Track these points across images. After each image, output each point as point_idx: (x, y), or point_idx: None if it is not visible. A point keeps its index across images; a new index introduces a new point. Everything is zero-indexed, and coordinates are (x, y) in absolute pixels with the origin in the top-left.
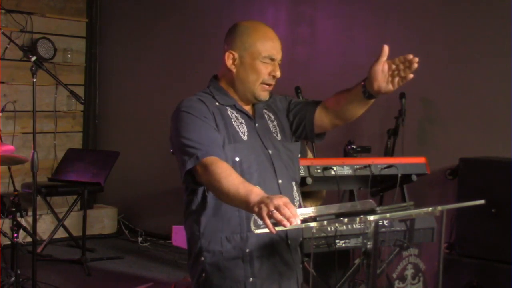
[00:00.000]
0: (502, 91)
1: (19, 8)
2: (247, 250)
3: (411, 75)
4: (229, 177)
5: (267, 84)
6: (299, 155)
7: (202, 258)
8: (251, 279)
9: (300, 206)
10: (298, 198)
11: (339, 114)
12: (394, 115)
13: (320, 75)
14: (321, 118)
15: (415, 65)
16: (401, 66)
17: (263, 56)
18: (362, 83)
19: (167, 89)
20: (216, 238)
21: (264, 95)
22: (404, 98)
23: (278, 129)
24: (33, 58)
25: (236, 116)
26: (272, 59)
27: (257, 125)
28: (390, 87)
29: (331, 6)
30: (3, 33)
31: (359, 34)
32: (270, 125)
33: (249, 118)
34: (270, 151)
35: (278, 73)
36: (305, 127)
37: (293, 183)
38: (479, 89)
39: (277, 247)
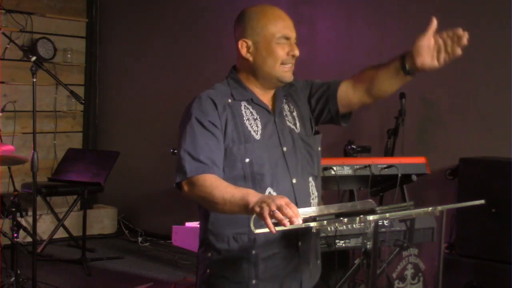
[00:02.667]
0: (502, 91)
1: (19, 8)
2: (253, 252)
3: (460, 51)
4: (220, 186)
5: (287, 65)
6: (319, 149)
7: (209, 255)
8: (254, 281)
9: (318, 202)
10: (316, 194)
11: (372, 90)
12: (394, 115)
13: (320, 75)
14: (347, 96)
15: (465, 41)
16: (449, 42)
17: (277, 37)
18: (400, 58)
19: (167, 89)
20: (224, 236)
21: (288, 76)
22: (404, 98)
23: (297, 120)
24: (33, 58)
25: (251, 112)
26: (287, 38)
27: (276, 119)
28: (436, 63)
29: (331, 6)
30: (3, 33)
31: (359, 34)
32: (290, 117)
33: (268, 112)
34: (284, 148)
35: (296, 52)
36: (330, 110)
37: (310, 178)
38: (479, 89)
39: (285, 250)
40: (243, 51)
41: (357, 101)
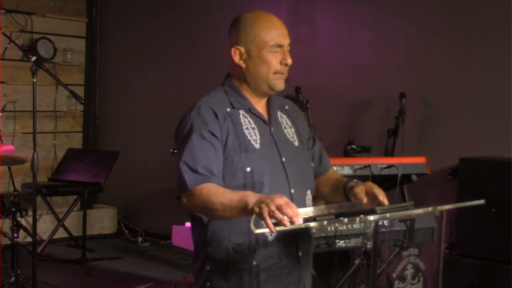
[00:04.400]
0: (502, 91)
1: (19, 8)
2: (254, 263)
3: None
4: (217, 193)
5: (280, 73)
6: (312, 164)
7: (208, 267)
8: None
9: None
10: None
11: (318, 193)
12: (394, 115)
13: (320, 75)
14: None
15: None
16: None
17: (270, 45)
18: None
19: (168, 89)
20: (223, 247)
21: (279, 84)
22: (404, 98)
23: (295, 135)
24: (33, 58)
25: (249, 121)
26: (280, 46)
27: (272, 129)
28: (365, 200)
29: (331, 6)
30: (3, 33)
31: (359, 34)
32: (287, 131)
33: (264, 123)
34: (283, 159)
35: (289, 60)
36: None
37: (308, 191)
38: (479, 89)
39: (285, 260)
40: (236, 58)
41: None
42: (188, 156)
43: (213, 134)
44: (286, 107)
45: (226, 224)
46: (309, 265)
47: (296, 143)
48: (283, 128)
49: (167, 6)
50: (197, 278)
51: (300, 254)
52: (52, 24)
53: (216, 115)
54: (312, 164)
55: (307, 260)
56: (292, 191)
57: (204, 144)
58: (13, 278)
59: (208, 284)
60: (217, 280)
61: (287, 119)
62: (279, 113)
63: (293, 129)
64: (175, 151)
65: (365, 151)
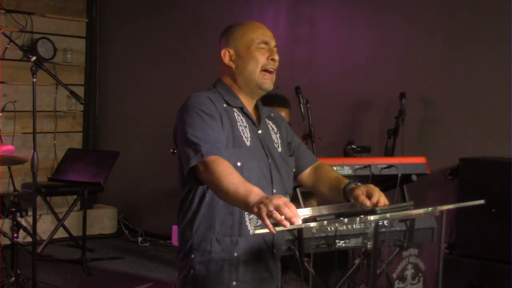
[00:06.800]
0: (502, 91)
1: (19, 8)
2: (235, 254)
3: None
4: (229, 176)
5: (268, 71)
6: (294, 169)
7: (192, 256)
8: (234, 283)
9: None
10: None
11: (317, 192)
12: (394, 115)
13: (320, 75)
14: (305, 178)
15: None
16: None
17: (256, 42)
18: (343, 193)
19: (167, 89)
20: (207, 238)
21: (267, 83)
22: (404, 98)
23: (280, 141)
24: (33, 58)
25: (242, 119)
26: (266, 43)
27: (260, 132)
28: (367, 202)
29: (331, 6)
30: (3, 33)
31: (359, 34)
32: (273, 136)
33: (253, 124)
34: (269, 160)
35: (276, 57)
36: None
37: (287, 196)
38: (479, 89)
39: (263, 254)
40: (226, 59)
41: (309, 186)
42: (200, 132)
43: (215, 118)
44: (272, 114)
45: (212, 215)
46: (279, 264)
47: (280, 149)
48: (270, 132)
49: (167, 6)
50: (181, 266)
51: (274, 251)
52: (52, 24)
53: (215, 106)
54: (294, 170)
55: (278, 259)
56: (274, 191)
57: (213, 123)
58: (13, 278)
59: (192, 272)
60: (200, 269)
61: (273, 125)
62: (266, 119)
63: (278, 135)
64: (175, 151)
65: (365, 151)
